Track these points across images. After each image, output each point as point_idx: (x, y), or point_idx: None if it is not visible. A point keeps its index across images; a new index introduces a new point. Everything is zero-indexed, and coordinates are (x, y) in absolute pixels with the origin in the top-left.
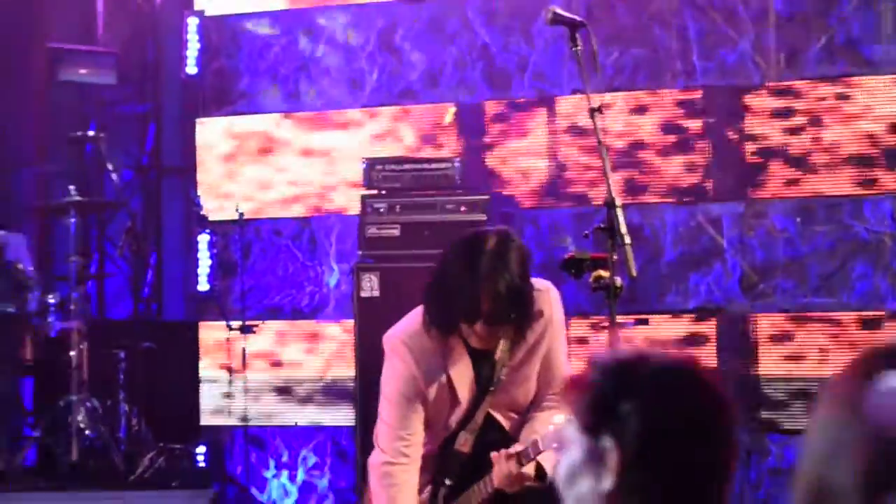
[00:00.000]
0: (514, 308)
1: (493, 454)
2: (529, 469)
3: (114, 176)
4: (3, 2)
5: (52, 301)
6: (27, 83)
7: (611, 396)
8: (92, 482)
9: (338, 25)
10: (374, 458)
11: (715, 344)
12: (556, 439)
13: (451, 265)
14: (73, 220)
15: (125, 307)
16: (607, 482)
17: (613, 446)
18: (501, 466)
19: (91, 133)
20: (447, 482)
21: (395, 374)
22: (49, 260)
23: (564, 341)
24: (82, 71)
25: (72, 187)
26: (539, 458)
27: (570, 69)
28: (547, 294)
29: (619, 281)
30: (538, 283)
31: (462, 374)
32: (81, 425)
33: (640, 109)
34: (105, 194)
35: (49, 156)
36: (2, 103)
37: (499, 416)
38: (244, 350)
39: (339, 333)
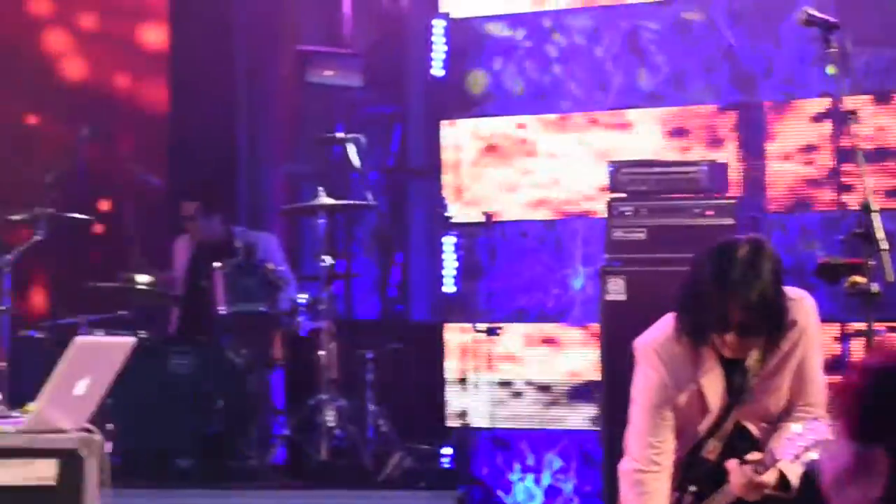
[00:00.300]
0: (766, 318)
1: (729, 463)
2: (770, 478)
3: (363, 178)
4: (256, 6)
5: (302, 301)
6: (277, 85)
7: (884, 404)
8: (341, 481)
9: (583, 27)
10: (625, 465)
11: None
12: (792, 449)
13: (701, 274)
14: (322, 220)
15: (371, 307)
16: (877, 490)
17: (885, 454)
18: (737, 475)
19: (341, 135)
20: (692, 489)
21: (646, 382)
22: (297, 260)
23: (820, 351)
24: (328, 73)
25: (321, 188)
26: (783, 467)
27: (818, 71)
28: (801, 303)
29: (875, 287)
30: (792, 291)
31: (713, 383)
32: (331, 424)
33: (892, 111)
34: (351, 195)
35: (298, 157)
36: (253, 105)
37: (749, 425)
38: (490, 352)
39: (584, 336)
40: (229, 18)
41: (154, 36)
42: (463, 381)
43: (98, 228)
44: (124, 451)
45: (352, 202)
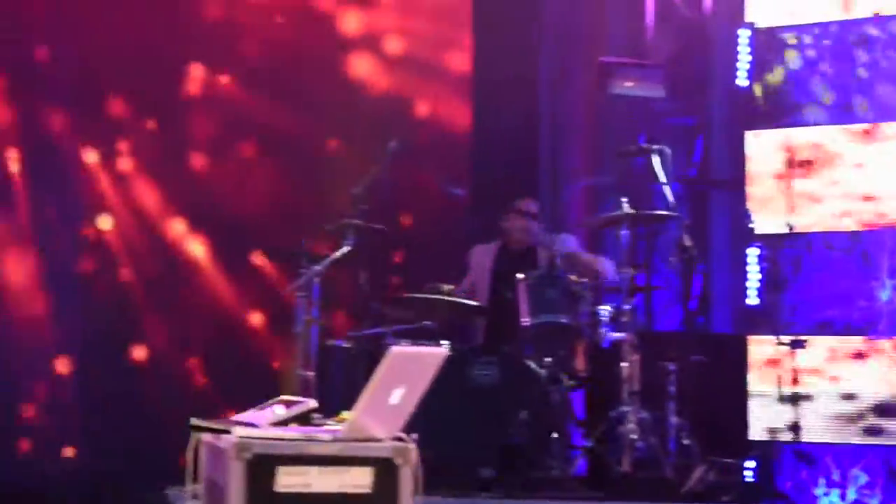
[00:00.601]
0: None
1: None
2: None
3: (666, 189)
4: (559, 21)
5: (604, 312)
6: (579, 97)
7: None
8: (642, 493)
9: (891, 35)
10: None
11: None
12: None
13: None
14: (625, 231)
15: (672, 319)
16: None
17: None
18: None
19: (644, 146)
20: None
21: None
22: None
23: None
24: (629, 84)
25: (624, 199)
26: None
27: None
28: None
29: None
30: None
31: None
32: (632, 436)
33: None
34: (653, 206)
35: (599, 168)
36: (555, 118)
37: None
38: (794, 365)
39: (892, 350)
40: (532, 34)
41: (457, 61)
42: (765, 394)
43: (401, 240)
44: (428, 460)
45: (656, 213)
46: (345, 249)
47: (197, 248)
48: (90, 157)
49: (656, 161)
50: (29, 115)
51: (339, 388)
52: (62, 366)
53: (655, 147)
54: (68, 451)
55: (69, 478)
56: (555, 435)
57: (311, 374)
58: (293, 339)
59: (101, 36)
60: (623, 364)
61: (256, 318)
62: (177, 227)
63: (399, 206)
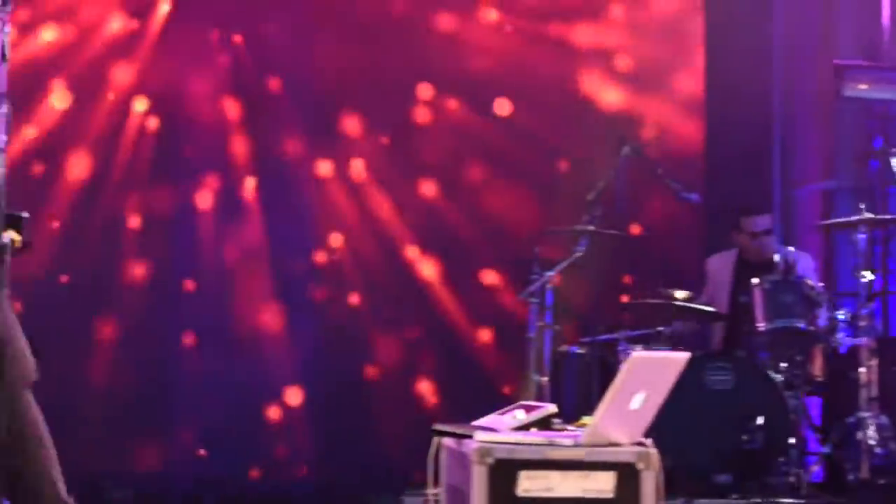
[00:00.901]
0: None
1: None
2: None
3: None
4: (792, 25)
5: (841, 318)
6: (812, 101)
7: None
8: (882, 500)
9: None
10: None
11: None
12: None
13: None
14: (862, 236)
15: None
16: None
17: None
18: None
19: (881, 148)
20: None
21: None
22: (833, 276)
23: None
24: (863, 86)
25: (862, 204)
26: None
27: None
28: None
29: None
30: None
31: None
32: (871, 442)
33: None
34: (890, 209)
35: (834, 172)
36: (787, 120)
37: None
38: None
39: None
40: (765, 42)
41: (688, 79)
42: None
43: (634, 246)
44: (664, 465)
45: (893, 217)
46: (577, 255)
47: (427, 269)
48: (323, 173)
49: (894, 164)
50: (263, 142)
51: (572, 393)
52: (296, 387)
53: (892, 150)
54: (302, 471)
55: (303, 494)
56: (791, 441)
57: (545, 379)
58: (524, 354)
59: (332, 58)
60: (861, 369)
61: (486, 336)
62: (408, 248)
63: (630, 216)
